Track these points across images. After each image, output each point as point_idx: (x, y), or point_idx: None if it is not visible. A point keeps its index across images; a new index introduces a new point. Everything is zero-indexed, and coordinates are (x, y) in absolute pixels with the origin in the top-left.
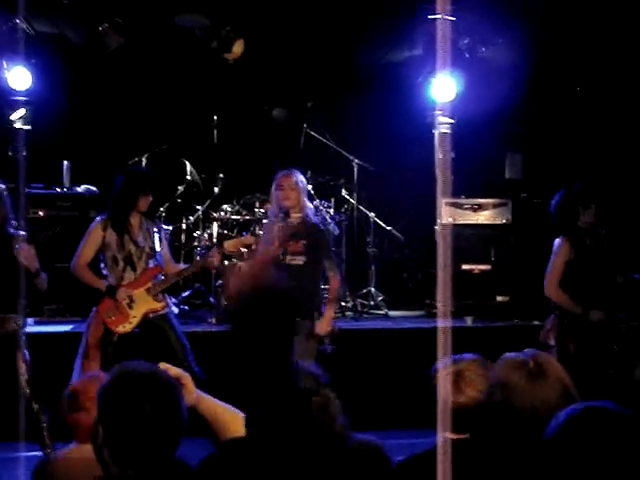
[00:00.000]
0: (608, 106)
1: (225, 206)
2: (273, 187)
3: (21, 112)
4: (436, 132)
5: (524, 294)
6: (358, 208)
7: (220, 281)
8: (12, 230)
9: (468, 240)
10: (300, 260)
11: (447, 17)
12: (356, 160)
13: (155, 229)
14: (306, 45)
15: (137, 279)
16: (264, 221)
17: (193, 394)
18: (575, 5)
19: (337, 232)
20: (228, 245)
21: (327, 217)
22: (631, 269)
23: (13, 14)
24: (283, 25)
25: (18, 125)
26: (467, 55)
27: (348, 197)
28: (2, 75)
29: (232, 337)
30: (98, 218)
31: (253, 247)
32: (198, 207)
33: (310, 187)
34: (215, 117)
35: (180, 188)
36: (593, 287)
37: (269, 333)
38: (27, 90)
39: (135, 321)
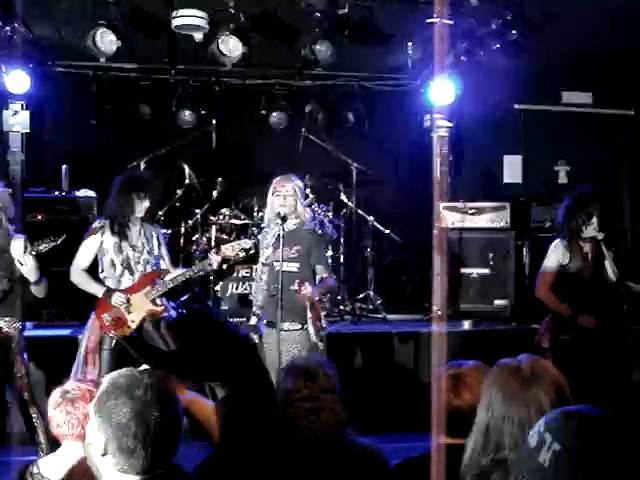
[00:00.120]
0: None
1: (223, 210)
2: (270, 192)
3: (19, 116)
4: (434, 135)
5: (523, 298)
6: (356, 212)
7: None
8: (12, 233)
9: (466, 244)
10: (294, 267)
11: (445, 21)
12: (355, 164)
13: (154, 233)
14: (304, 46)
15: (135, 283)
16: (262, 226)
17: (186, 395)
18: (571, 7)
19: (335, 236)
20: (226, 249)
21: (325, 221)
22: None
23: (11, 18)
24: (281, 28)
25: (16, 129)
26: (465, 59)
27: (346, 201)
28: (1, 79)
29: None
30: (96, 222)
31: (251, 251)
32: (197, 211)
33: (308, 191)
34: (214, 121)
35: (179, 192)
36: (586, 292)
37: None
38: (25, 94)
39: (133, 325)
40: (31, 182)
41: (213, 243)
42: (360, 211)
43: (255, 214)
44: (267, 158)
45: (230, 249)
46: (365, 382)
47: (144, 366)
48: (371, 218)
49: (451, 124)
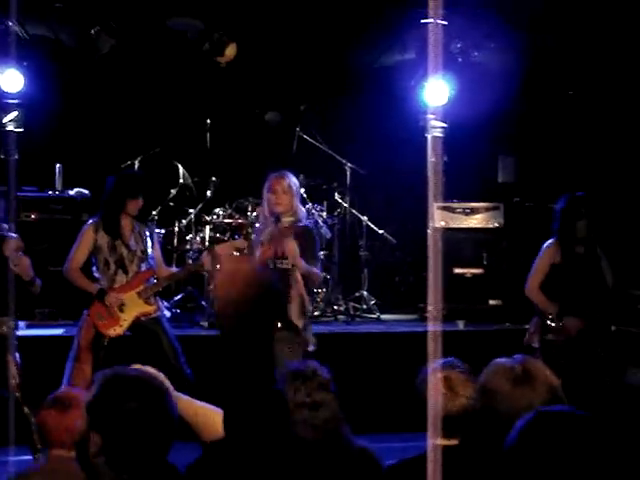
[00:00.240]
0: (600, 109)
1: (217, 209)
2: (265, 189)
3: (13, 115)
4: (428, 136)
5: (516, 298)
6: (350, 212)
7: (211, 285)
8: (3, 232)
9: (460, 244)
10: (287, 264)
11: (439, 21)
12: (349, 164)
13: (147, 232)
14: (299, 48)
15: (129, 282)
16: (256, 225)
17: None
18: (567, 8)
19: (329, 236)
20: (220, 249)
21: (319, 220)
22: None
23: (5, 16)
24: (276, 28)
25: (10, 128)
26: (459, 59)
27: (341, 201)
28: None
29: (220, 337)
30: (90, 221)
31: (245, 251)
32: (190, 210)
33: (303, 190)
34: (208, 120)
35: (172, 191)
36: (576, 293)
37: (253, 334)
38: (19, 93)
39: (126, 324)
40: (24, 181)
41: (207, 243)
42: (354, 211)
43: (249, 213)
44: (261, 158)
45: (224, 248)
46: (358, 382)
47: (137, 364)
48: (365, 218)
49: (445, 124)
